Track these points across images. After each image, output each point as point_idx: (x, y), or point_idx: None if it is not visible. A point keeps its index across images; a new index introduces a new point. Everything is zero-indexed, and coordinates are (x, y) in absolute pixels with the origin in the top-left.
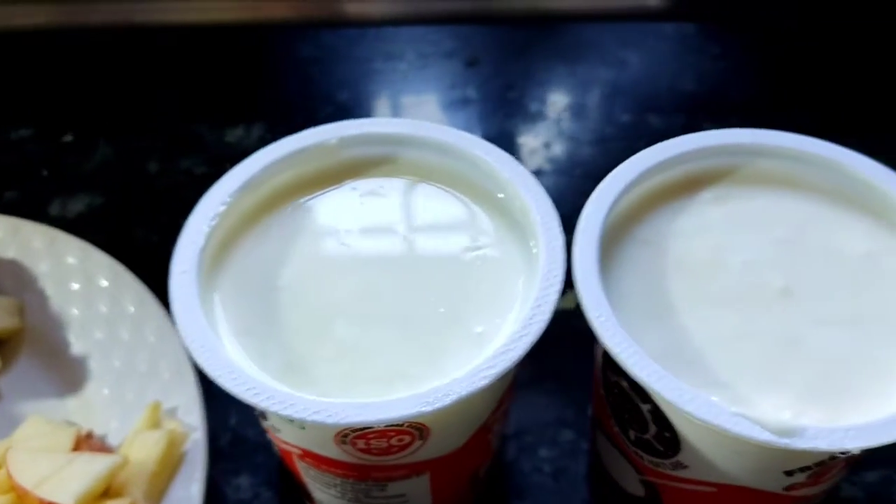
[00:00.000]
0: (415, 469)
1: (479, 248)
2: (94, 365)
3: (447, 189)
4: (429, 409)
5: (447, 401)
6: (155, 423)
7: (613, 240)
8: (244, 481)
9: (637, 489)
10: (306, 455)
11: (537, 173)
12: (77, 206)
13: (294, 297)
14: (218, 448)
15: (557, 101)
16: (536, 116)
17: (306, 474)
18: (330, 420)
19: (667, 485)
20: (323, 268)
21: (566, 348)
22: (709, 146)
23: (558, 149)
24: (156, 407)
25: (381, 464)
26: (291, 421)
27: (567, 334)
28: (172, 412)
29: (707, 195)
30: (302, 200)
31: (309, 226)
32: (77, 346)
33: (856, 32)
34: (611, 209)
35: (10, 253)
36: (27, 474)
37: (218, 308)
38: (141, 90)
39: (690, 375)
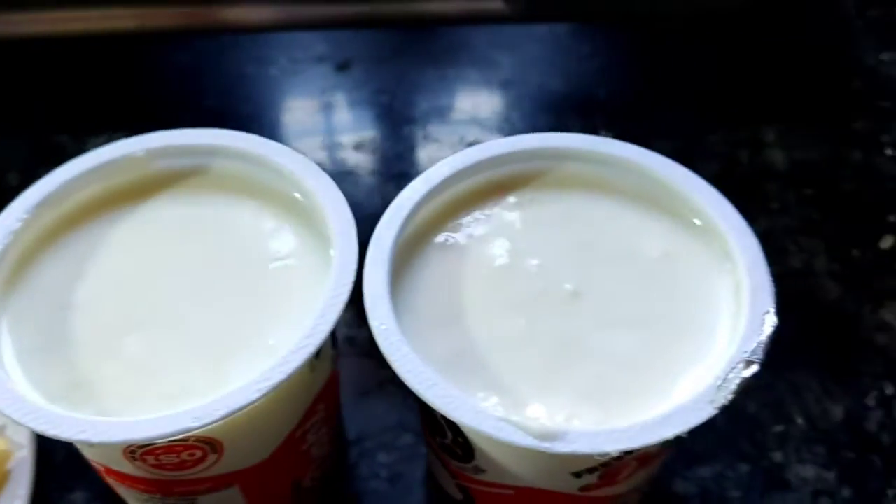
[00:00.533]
0: (220, 482)
1: (281, 258)
2: None
3: (255, 199)
4: (196, 424)
5: (216, 415)
6: None
7: (413, 246)
8: (78, 496)
9: (456, 493)
10: (108, 472)
11: (401, 177)
12: None
13: (87, 314)
14: (53, 464)
15: (426, 104)
16: (404, 120)
17: (119, 490)
18: (95, 439)
19: (474, 488)
20: (121, 284)
21: None
22: (516, 151)
23: (423, 152)
24: None
25: (181, 478)
26: None
27: None
28: (1, 430)
29: (512, 199)
30: (109, 215)
31: (112, 241)
32: None
33: (720, 32)
34: (411, 216)
35: None
36: None
37: (4, 328)
38: (3, 101)
39: (474, 381)
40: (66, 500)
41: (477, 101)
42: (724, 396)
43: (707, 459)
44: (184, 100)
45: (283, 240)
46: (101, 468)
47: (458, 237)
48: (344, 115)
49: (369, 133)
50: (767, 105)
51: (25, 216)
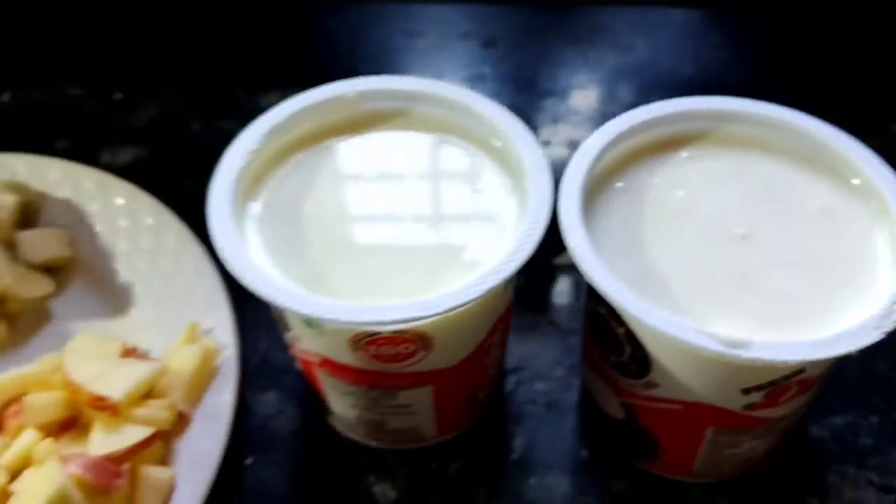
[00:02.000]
0: (419, 379)
1: (478, 190)
2: (138, 291)
3: (452, 139)
4: (426, 313)
5: (442, 307)
6: (193, 341)
7: (596, 189)
8: (270, 398)
9: (618, 412)
10: (325, 363)
11: (545, 144)
12: (125, 156)
13: (317, 224)
14: (248, 370)
15: (567, 81)
16: (546, 94)
17: (325, 383)
18: (343, 318)
19: (641, 405)
20: (343, 202)
21: (562, 300)
22: (685, 111)
23: (565, 124)
24: (194, 326)
25: (390, 371)
26: (310, 325)
27: (564, 288)
28: (208, 332)
29: (682, 154)
30: (326, 145)
31: (332, 166)
32: (123, 274)
33: (853, 20)
34: (594, 162)
35: (63, 193)
36: (81, 373)
37: (251, 229)
38: (184, 55)
39: (656, 302)
40: (260, 401)
41: (615, 81)
42: (890, 323)
43: (840, 410)
44: (339, 65)
45: (479, 173)
46: (316, 360)
47: (636, 184)
48: (488, 86)
49: (513, 104)
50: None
51: (261, 139)
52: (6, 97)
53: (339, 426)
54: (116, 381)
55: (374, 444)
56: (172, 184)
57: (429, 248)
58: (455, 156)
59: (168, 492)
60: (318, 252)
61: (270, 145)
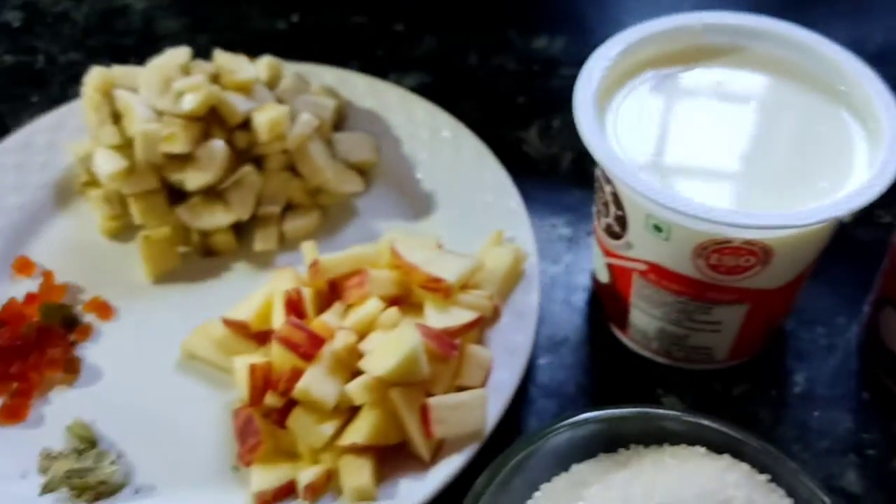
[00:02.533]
0: (741, 296)
1: (818, 126)
2: (439, 198)
3: (793, 78)
4: (798, 222)
5: (814, 218)
6: (500, 245)
7: None
8: (570, 310)
9: None
10: (652, 271)
11: None
12: (410, 81)
13: (667, 137)
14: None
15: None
16: None
17: (638, 294)
18: (723, 219)
19: None
20: (690, 120)
21: (841, 256)
22: None
23: None
24: (500, 233)
25: (719, 283)
26: (658, 229)
27: (843, 244)
28: (510, 241)
29: None
30: (665, 69)
31: (676, 89)
32: (425, 182)
33: None
34: None
35: (367, 104)
36: (414, 257)
37: (609, 130)
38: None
39: None
40: (549, 310)
41: (881, 57)
42: None
43: None
44: (605, 15)
45: (819, 112)
46: (641, 268)
47: None
48: None
49: None
50: None
51: (614, 57)
52: (295, 18)
53: (631, 339)
54: (447, 267)
55: (662, 360)
56: (455, 109)
57: (778, 173)
58: (793, 94)
59: (488, 370)
60: (669, 160)
61: (621, 64)
